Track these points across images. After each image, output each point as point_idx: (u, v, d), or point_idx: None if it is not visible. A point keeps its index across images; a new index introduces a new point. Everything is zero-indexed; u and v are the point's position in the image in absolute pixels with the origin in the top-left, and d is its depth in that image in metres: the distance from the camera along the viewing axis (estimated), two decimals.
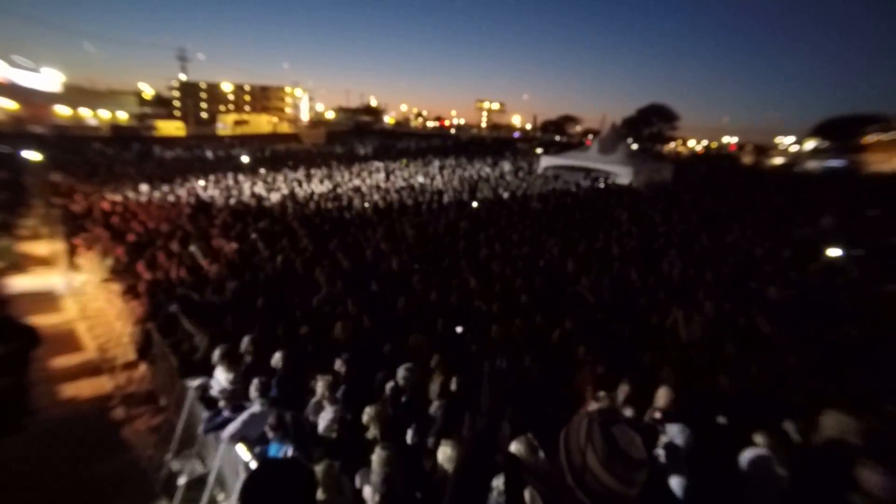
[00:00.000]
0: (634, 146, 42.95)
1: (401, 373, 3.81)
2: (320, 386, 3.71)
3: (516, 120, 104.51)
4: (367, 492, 2.78)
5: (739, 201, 17.10)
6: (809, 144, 58.93)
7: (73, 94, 47.49)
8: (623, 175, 22.23)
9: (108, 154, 23.93)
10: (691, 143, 79.62)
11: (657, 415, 3.20)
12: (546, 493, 1.12)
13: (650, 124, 60.75)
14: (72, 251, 9.20)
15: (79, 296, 8.50)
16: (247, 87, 75.25)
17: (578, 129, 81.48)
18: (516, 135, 77.76)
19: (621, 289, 6.74)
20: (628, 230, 10.91)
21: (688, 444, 2.83)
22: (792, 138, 72.96)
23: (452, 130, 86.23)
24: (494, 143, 54.70)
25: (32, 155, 17.68)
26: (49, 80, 45.10)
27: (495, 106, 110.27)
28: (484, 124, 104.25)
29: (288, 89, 79.05)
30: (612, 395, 3.55)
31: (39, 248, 10.84)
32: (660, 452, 2.70)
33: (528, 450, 2.39)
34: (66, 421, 5.37)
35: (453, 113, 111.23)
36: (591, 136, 54.94)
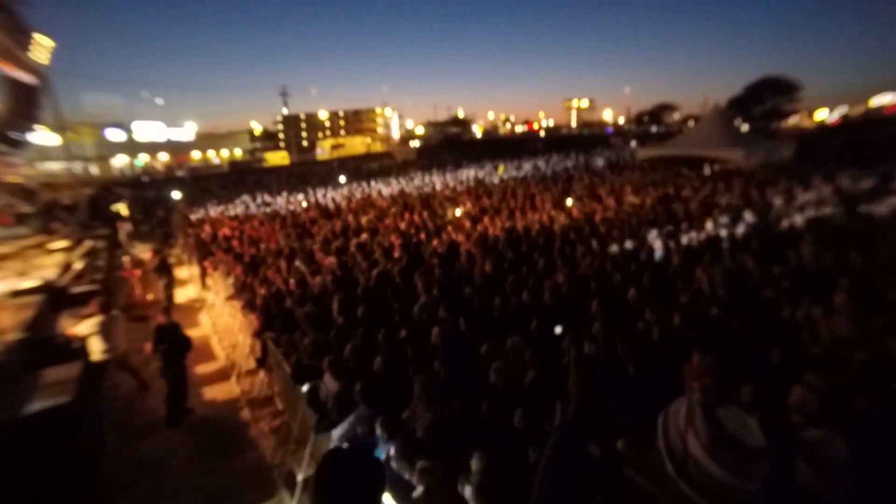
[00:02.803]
0: (745, 127, 38.73)
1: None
2: (417, 387, 3.78)
3: (607, 115, 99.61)
4: (468, 492, 2.74)
5: None
6: None
7: (203, 140, 55.87)
8: (732, 159, 20.15)
9: (228, 186, 27.56)
10: (822, 114, 68.41)
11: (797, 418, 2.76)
12: (646, 485, 0.99)
13: (762, 101, 53.62)
14: (203, 273, 10.49)
15: (210, 311, 9.64)
16: (340, 113, 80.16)
17: (677, 116, 75.04)
18: (609, 131, 73.75)
19: (736, 280, 6.03)
20: (739, 216, 9.77)
21: (839, 453, 2.38)
22: None
23: (542, 133, 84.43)
24: (585, 140, 52.31)
25: (176, 195, 21.01)
26: (188, 131, 54.06)
27: (584, 103, 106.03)
28: (574, 124, 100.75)
29: (378, 110, 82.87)
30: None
31: (182, 272, 12.53)
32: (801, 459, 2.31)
33: (632, 448, 2.18)
34: (207, 420, 6.11)
35: (541, 115, 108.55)
36: (691, 123, 50.45)
